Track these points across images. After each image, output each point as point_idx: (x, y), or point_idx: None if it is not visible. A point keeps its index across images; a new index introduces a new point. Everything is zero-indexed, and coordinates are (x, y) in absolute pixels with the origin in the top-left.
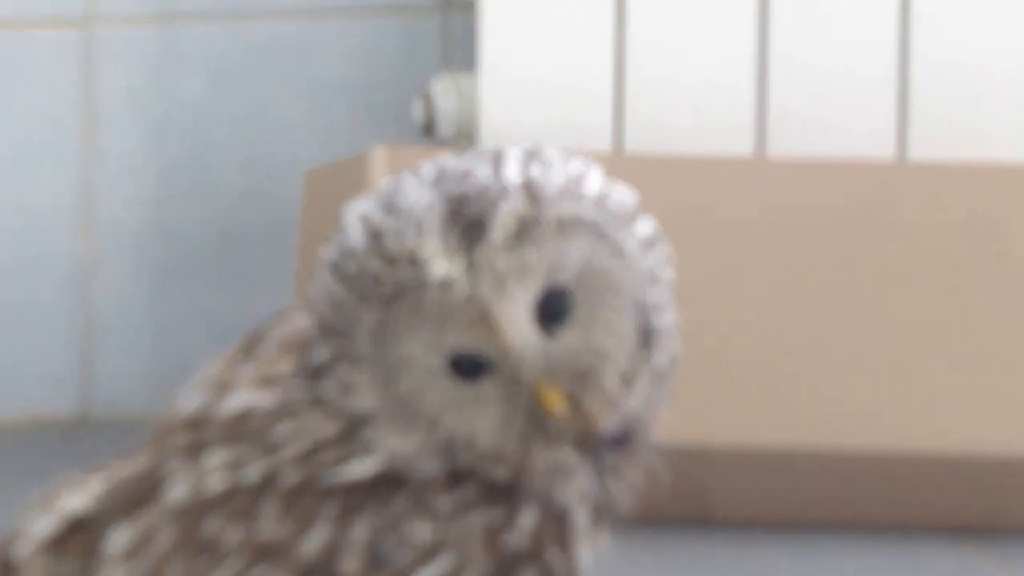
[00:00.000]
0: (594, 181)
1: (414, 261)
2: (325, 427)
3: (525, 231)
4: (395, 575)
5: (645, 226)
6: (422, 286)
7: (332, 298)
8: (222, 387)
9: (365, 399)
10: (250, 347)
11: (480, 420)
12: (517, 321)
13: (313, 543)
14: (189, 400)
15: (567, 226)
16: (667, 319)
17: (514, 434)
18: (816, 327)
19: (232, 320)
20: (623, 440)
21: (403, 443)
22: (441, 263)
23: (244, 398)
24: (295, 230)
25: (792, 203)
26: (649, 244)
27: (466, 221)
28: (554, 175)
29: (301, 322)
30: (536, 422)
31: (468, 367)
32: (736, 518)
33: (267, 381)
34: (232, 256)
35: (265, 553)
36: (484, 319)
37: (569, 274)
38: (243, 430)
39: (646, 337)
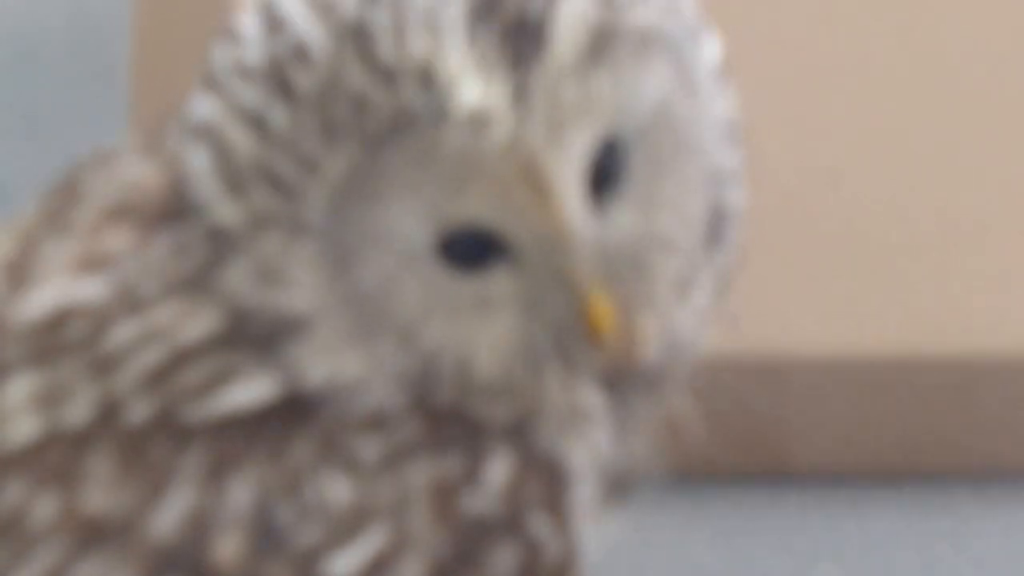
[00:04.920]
0: None
1: (428, 78)
2: (192, 326)
3: (598, 47)
4: (296, 561)
5: (713, 47)
6: (437, 119)
7: (259, 129)
8: (18, 275)
9: (301, 292)
10: (60, 209)
11: (482, 332)
12: (572, 184)
13: (169, 515)
14: None
15: (647, 43)
16: (740, 194)
17: (529, 356)
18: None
19: (21, 169)
20: (662, 373)
21: (353, 362)
22: (473, 85)
23: (57, 290)
24: (124, 24)
25: None
26: (720, 74)
27: (510, 24)
28: None
29: (143, 166)
30: (564, 341)
31: (471, 252)
32: (820, 465)
33: (92, 262)
34: (18, 63)
35: (95, 533)
36: (529, 176)
37: (638, 119)
38: (58, 340)
39: (717, 222)
